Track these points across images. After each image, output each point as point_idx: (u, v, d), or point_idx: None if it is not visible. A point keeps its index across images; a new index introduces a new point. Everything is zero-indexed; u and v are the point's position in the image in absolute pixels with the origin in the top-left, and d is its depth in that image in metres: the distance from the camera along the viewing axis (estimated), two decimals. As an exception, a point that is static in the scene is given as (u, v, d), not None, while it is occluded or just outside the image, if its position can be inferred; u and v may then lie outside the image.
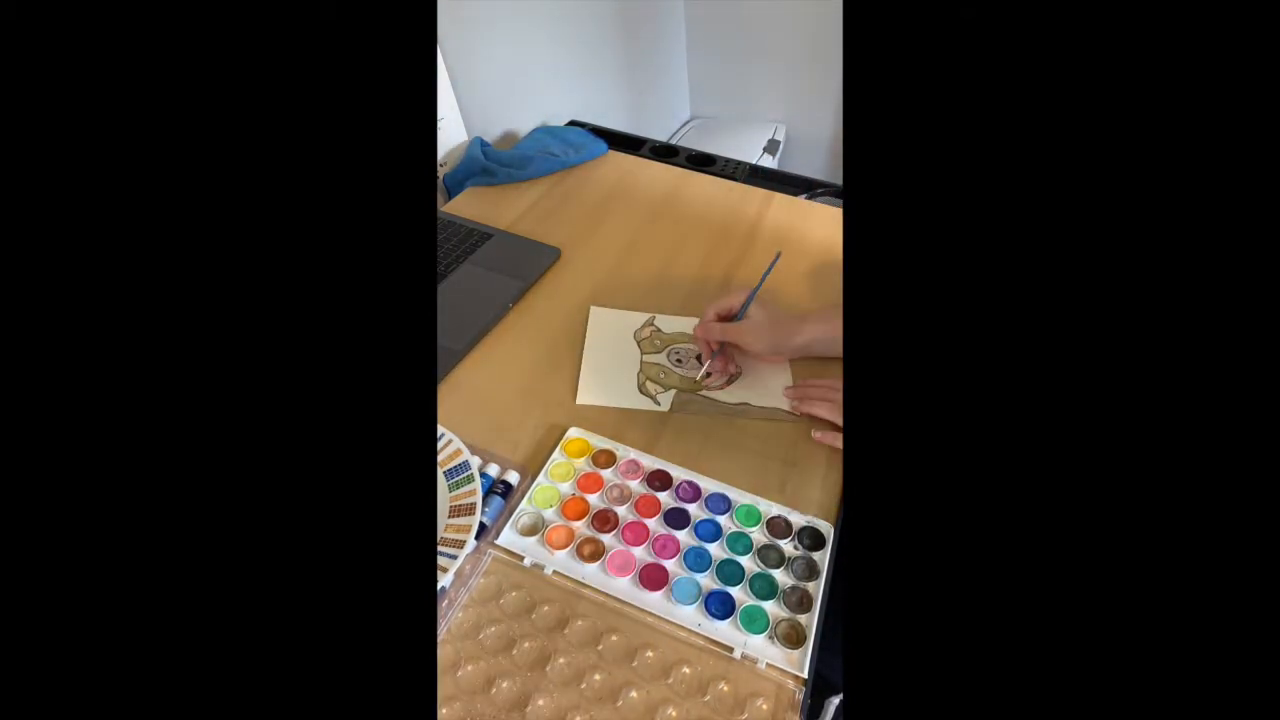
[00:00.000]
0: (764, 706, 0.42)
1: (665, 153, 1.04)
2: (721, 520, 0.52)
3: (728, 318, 0.61)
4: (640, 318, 0.70)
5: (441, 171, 0.94)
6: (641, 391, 0.62)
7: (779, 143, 1.62)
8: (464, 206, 0.86)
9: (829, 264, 0.78)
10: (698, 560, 0.49)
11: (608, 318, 0.70)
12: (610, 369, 0.64)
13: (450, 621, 0.45)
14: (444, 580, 0.45)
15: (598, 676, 0.43)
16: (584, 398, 0.61)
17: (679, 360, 0.65)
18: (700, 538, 0.50)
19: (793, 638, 0.45)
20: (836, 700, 0.43)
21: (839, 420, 0.57)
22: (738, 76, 1.71)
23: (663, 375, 0.64)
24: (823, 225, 0.86)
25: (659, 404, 0.61)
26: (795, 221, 0.87)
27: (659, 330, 0.69)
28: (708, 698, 0.42)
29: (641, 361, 0.65)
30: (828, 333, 0.61)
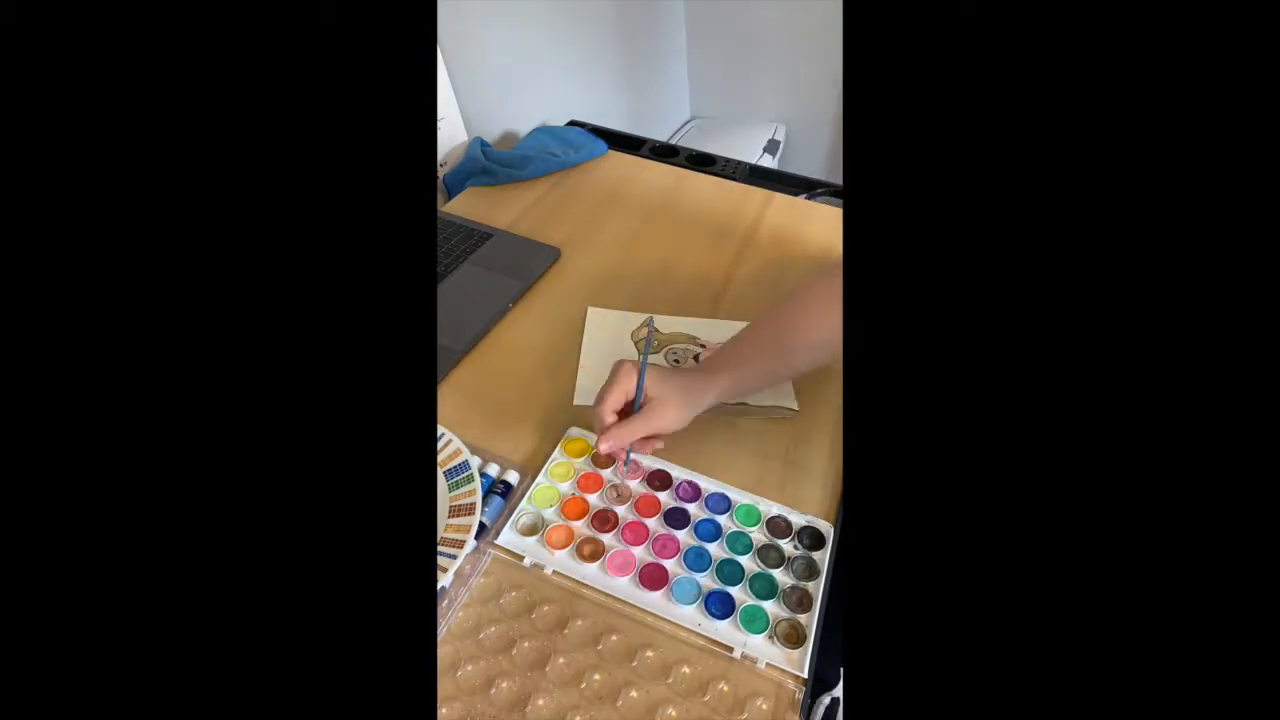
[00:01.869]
0: (764, 706, 0.42)
1: (665, 153, 1.04)
2: (721, 520, 0.52)
3: (626, 408, 0.52)
4: (638, 318, 0.70)
5: (441, 171, 0.94)
6: (641, 391, 0.62)
7: (779, 143, 1.62)
8: (464, 206, 0.86)
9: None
10: (698, 560, 0.49)
11: (605, 318, 0.70)
12: (608, 369, 0.64)
13: (450, 621, 0.45)
14: (444, 580, 0.45)
15: (597, 676, 0.43)
16: (581, 399, 0.61)
17: (676, 361, 0.65)
18: (700, 537, 0.50)
19: (793, 637, 0.45)
20: (827, 699, 0.43)
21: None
22: (738, 76, 1.71)
23: (662, 375, 0.64)
24: (823, 225, 0.86)
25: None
26: (795, 221, 0.87)
27: (657, 331, 0.69)
28: (708, 697, 0.42)
29: (641, 361, 0.65)
30: (735, 383, 0.54)
